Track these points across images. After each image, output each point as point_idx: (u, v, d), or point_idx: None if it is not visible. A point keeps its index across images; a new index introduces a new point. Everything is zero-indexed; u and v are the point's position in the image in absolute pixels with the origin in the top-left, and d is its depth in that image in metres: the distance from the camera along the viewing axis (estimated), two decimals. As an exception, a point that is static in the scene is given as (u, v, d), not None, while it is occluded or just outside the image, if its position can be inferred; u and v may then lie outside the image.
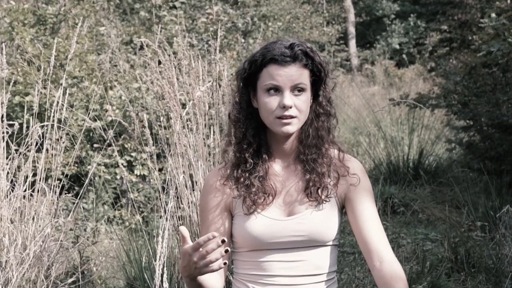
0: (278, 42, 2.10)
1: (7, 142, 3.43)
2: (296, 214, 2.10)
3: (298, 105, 2.07)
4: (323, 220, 2.10)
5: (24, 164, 3.41)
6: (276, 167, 2.16)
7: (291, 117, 2.06)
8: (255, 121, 2.13)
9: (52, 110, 3.57)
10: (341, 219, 2.19)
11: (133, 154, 6.07)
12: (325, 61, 2.12)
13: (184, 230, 1.91)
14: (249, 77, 2.12)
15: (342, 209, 2.19)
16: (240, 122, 2.14)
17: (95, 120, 5.66)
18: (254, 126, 2.13)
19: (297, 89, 2.07)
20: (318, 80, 2.12)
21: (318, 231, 2.09)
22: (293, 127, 2.07)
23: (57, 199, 3.53)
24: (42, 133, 3.52)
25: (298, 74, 2.07)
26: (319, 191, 2.10)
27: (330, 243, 2.14)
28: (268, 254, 2.09)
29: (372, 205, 2.16)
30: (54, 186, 3.50)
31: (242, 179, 2.11)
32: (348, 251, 4.90)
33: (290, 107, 2.05)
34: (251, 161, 2.12)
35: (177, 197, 3.51)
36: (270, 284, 2.10)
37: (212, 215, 2.15)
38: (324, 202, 2.10)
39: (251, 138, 2.12)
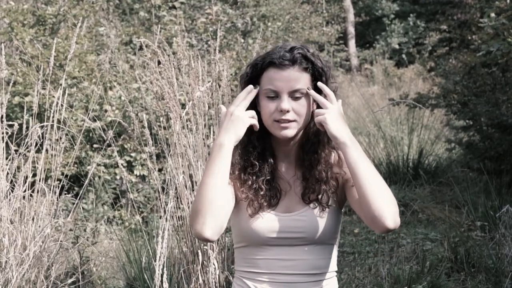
0: (280, 46, 2.11)
1: (6, 142, 3.43)
2: (295, 211, 2.10)
3: (297, 109, 2.06)
4: (322, 219, 2.10)
5: (23, 165, 3.41)
6: (282, 169, 2.16)
7: (289, 121, 2.05)
8: (260, 124, 2.12)
9: (52, 111, 3.57)
10: (340, 219, 2.19)
11: (133, 154, 6.07)
12: (327, 66, 2.11)
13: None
14: (251, 81, 2.12)
15: (342, 209, 2.19)
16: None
17: (94, 121, 5.65)
18: (258, 129, 2.12)
19: (296, 93, 2.06)
20: None
21: (317, 230, 2.09)
22: (291, 131, 2.06)
23: (57, 200, 3.53)
24: (42, 134, 3.51)
25: (296, 78, 2.06)
26: (319, 197, 2.10)
27: (330, 242, 2.14)
28: (266, 250, 2.09)
29: None
30: (53, 186, 3.50)
31: (249, 182, 2.11)
32: (348, 251, 4.90)
33: (288, 111, 2.05)
34: (257, 164, 2.12)
35: (177, 198, 3.51)
36: (269, 282, 2.10)
37: None
38: (324, 209, 2.10)
39: (255, 141, 2.12)
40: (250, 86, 2.07)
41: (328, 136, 2.08)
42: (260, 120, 2.12)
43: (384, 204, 1.95)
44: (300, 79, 2.06)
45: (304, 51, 2.07)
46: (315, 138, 2.12)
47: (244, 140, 2.12)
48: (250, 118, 2.05)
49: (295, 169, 2.16)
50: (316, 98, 2.06)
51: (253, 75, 2.11)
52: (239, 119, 2.03)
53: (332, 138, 2.03)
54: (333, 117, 2.04)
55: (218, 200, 1.97)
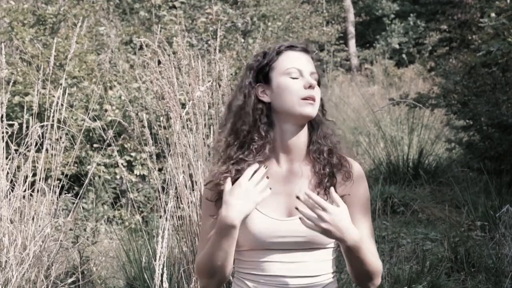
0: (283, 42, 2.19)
1: (6, 142, 3.43)
2: (296, 215, 2.09)
3: (316, 92, 2.10)
4: None
5: (23, 164, 3.41)
6: (279, 166, 2.13)
7: (314, 99, 2.08)
8: (265, 116, 2.11)
9: (52, 110, 3.57)
10: None
11: (133, 154, 6.07)
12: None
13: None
14: (262, 69, 2.12)
15: None
16: (247, 116, 2.11)
17: (94, 120, 5.65)
18: (265, 122, 2.10)
19: (314, 76, 2.11)
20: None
21: (318, 234, 2.08)
22: (315, 110, 2.08)
23: (57, 199, 3.53)
24: (42, 133, 3.52)
25: (312, 63, 2.13)
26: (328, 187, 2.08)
27: (330, 245, 2.14)
28: (268, 254, 2.09)
29: (367, 218, 2.15)
30: (53, 186, 3.50)
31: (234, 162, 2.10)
32: (348, 251, 4.89)
33: (314, 88, 2.08)
34: (249, 153, 2.09)
35: (177, 197, 3.51)
36: (270, 284, 2.10)
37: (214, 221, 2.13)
38: (327, 194, 2.07)
39: (263, 132, 2.09)
40: (256, 165, 2.04)
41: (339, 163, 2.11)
42: (267, 111, 2.11)
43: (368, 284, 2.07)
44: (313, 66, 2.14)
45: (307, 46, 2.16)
46: (323, 130, 2.15)
47: (244, 130, 2.11)
48: (261, 194, 2.02)
49: (300, 166, 2.13)
50: (334, 199, 1.97)
51: (266, 61, 2.12)
52: (250, 197, 2.00)
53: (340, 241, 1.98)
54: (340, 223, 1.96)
55: (228, 266, 2.06)
